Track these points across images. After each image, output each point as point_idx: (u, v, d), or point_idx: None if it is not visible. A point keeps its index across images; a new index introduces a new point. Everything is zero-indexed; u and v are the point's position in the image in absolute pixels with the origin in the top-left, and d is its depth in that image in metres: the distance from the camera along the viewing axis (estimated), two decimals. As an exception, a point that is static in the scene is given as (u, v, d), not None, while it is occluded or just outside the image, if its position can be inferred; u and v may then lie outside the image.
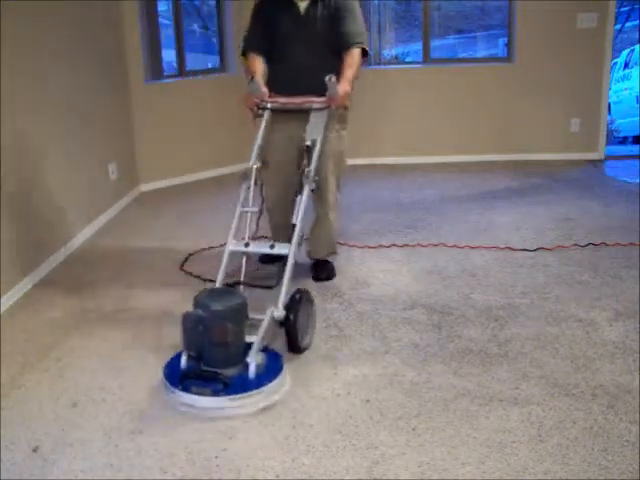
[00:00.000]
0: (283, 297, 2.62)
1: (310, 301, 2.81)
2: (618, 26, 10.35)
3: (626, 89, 10.40)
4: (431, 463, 2.05)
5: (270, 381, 2.40)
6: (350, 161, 5.85)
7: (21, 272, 3.46)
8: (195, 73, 5.83)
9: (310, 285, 3.32)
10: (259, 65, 3.19)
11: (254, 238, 3.01)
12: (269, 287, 2.73)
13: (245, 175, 2.91)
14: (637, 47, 10.57)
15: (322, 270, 3.47)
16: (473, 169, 5.77)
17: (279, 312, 2.58)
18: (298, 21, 3.16)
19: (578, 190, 5.02)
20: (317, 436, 2.20)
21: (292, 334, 2.63)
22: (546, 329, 2.87)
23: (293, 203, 3.56)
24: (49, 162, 3.89)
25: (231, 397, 2.33)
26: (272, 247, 2.80)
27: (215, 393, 2.33)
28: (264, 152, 3.04)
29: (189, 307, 3.20)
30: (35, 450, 2.18)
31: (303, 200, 2.82)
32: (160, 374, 2.52)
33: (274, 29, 3.19)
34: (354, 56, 3.10)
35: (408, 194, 5.09)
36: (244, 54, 3.29)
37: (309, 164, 2.86)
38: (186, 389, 2.36)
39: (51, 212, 3.87)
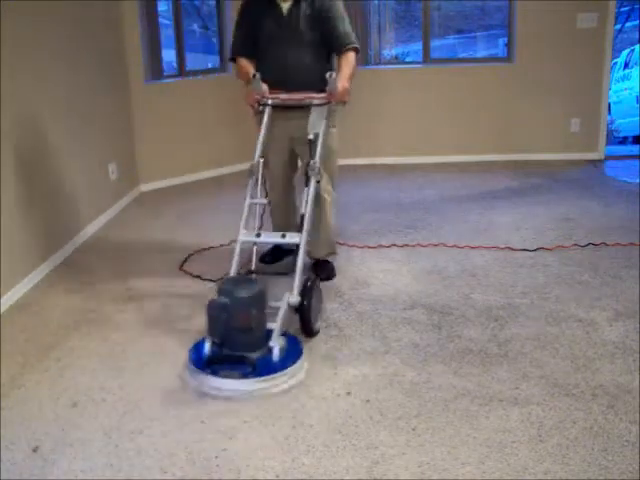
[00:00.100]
0: (297, 284, 2.74)
1: (319, 287, 2.95)
2: (618, 26, 10.35)
3: (626, 89, 10.40)
4: (431, 463, 2.05)
5: (294, 362, 2.54)
6: (350, 161, 5.93)
7: (21, 272, 3.46)
8: (195, 73, 5.83)
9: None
10: (249, 67, 3.23)
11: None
12: (284, 274, 2.89)
13: (251, 170, 2.99)
14: (637, 47, 10.57)
15: (322, 270, 3.47)
16: (473, 169, 5.77)
17: (295, 298, 2.71)
18: (281, 22, 3.19)
19: (578, 190, 5.02)
20: (317, 436, 2.20)
21: (306, 318, 2.77)
22: (546, 329, 2.87)
23: (293, 204, 3.59)
24: (48, 162, 3.89)
25: (259, 379, 2.44)
26: (284, 236, 2.92)
27: (244, 375, 2.44)
28: (265, 150, 3.07)
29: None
30: (35, 450, 2.18)
31: (310, 191, 2.92)
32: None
33: (258, 31, 3.23)
34: (350, 58, 3.17)
35: (408, 194, 5.09)
36: (233, 59, 3.35)
37: (313, 156, 2.95)
38: (214, 373, 2.46)
39: (51, 212, 3.87)
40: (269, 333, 2.56)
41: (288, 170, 3.49)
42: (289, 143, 3.33)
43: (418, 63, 6.34)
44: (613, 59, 8.40)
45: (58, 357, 2.79)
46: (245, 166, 3.13)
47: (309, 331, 2.80)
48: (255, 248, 3.00)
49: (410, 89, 5.99)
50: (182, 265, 3.77)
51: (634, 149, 7.46)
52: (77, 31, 4.34)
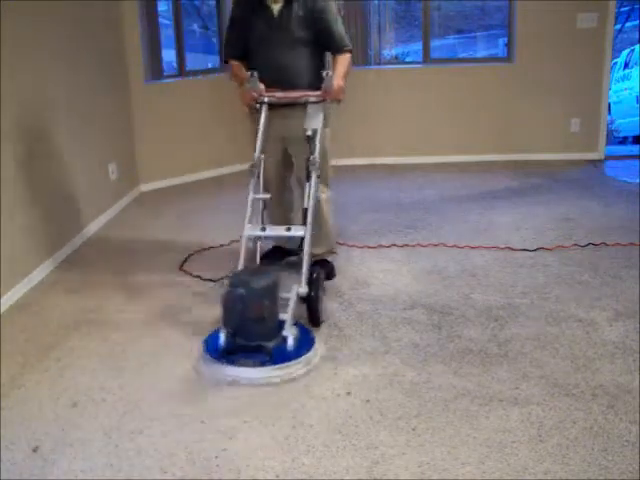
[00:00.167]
0: (305, 275, 2.81)
1: (323, 279, 3.06)
2: (618, 26, 10.35)
3: (626, 89, 10.40)
4: (431, 463, 2.05)
5: (308, 350, 2.64)
6: (350, 161, 5.94)
7: (21, 272, 3.46)
8: (195, 73, 5.83)
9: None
10: (242, 69, 3.27)
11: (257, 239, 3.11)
12: (295, 264, 3.00)
13: (252, 167, 3.02)
14: (637, 47, 10.57)
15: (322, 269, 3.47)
16: (473, 169, 5.77)
17: (304, 289, 2.79)
18: (272, 24, 3.20)
19: (578, 190, 5.02)
20: (317, 436, 2.20)
21: (314, 308, 2.86)
22: (546, 329, 2.87)
23: (289, 204, 3.61)
24: (48, 162, 3.89)
25: (276, 366, 2.53)
26: (289, 230, 2.98)
27: (262, 364, 2.53)
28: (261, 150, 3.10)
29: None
30: (35, 450, 2.18)
31: (312, 186, 2.97)
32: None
33: (249, 32, 3.26)
34: (345, 58, 3.26)
35: (408, 194, 5.09)
36: (226, 61, 3.40)
37: (313, 152, 3.00)
38: (232, 362, 2.55)
39: (51, 212, 3.87)
40: (281, 323, 2.66)
41: (282, 170, 3.50)
42: (282, 143, 3.36)
43: (418, 63, 6.34)
44: (613, 59, 8.39)
45: (58, 357, 2.80)
46: (245, 166, 3.14)
47: (316, 321, 2.88)
48: (259, 245, 3.05)
49: (410, 89, 5.99)
50: (182, 265, 3.77)
51: (634, 149, 7.46)
52: (77, 31, 4.34)
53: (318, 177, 3.04)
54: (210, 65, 6.40)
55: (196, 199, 5.20)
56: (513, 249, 3.83)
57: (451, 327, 2.92)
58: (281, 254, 3.65)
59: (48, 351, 2.85)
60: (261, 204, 3.06)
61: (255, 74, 3.01)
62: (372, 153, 6.05)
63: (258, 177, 3.02)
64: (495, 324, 2.93)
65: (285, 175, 3.55)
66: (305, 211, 2.95)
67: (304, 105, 3.08)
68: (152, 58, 5.57)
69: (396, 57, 8.84)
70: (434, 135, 6.02)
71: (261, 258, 3.60)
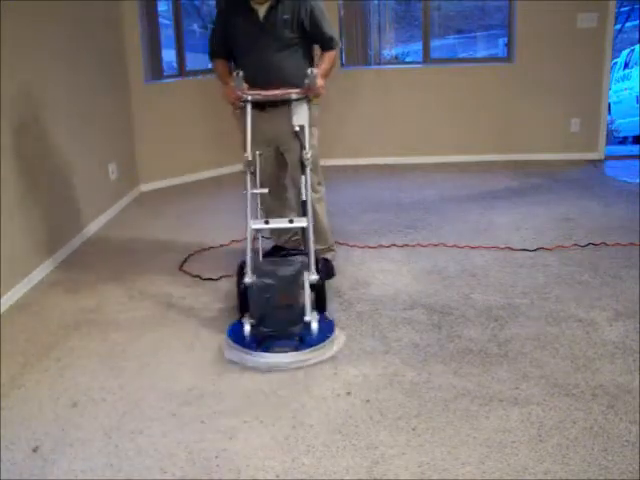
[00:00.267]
0: (313, 263, 2.87)
1: (331, 267, 3.26)
2: (618, 26, 10.34)
3: (626, 89, 10.40)
4: (431, 463, 2.05)
5: (331, 333, 2.78)
6: (350, 161, 5.95)
7: (21, 272, 3.47)
8: (195, 73, 5.83)
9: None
10: (225, 69, 3.35)
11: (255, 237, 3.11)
12: (304, 253, 3.10)
13: (248, 163, 3.03)
14: (637, 47, 10.56)
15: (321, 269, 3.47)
16: (473, 169, 5.77)
17: (314, 276, 2.84)
18: (257, 27, 3.21)
19: (578, 190, 5.02)
20: (317, 436, 2.20)
21: (322, 295, 2.95)
22: (546, 329, 2.87)
23: (285, 202, 3.61)
24: (48, 162, 3.89)
25: (310, 350, 2.65)
26: (291, 221, 3.04)
27: (296, 348, 2.65)
28: (252, 151, 3.09)
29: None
30: (35, 450, 2.18)
31: (308, 179, 3.02)
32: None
33: (234, 35, 3.28)
34: (330, 55, 3.33)
35: (408, 194, 5.09)
36: (211, 59, 3.45)
37: (304, 147, 3.04)
38: (267, 349, 2.65)
39: (50, 212, 3.87)
40: (301, 310, 2.77)
41: (276, 170, 3.51)
42: (273, 144, 3.39)
43: (418, 63, 6.34)
44: (613, 59, 8.39)
45: (58, 357, 2.80)
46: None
47: (323, 306, 2.96)
48: (260, 240, 3.08)
49: (410, 89, 5.99)
50: (182, 265, 3.77)
51: (634, 149, 7.46)
52: (77, 31, 4.34)
53: (311, 170, 3.09)
54: (210, 65, 6.39)
55: (196, 199, 5.20)
56: (513, 249, 3.83)
57: (451, 327, 2.92)
58: (281, 253, 3.65)
59: (48, 351, 2.85)
60: (258, 199, 3.07)
61: (241, 73, 3.02)
62: (372, 153, 6.05)
63: (254, 173, 3.05)
64: (495, 324, 2.93)
65: (279, 175, 3.57)
66: (303, 203, 3.02)
67: (289, 104, 3.11)
68: (152, 58, 5.57)
69: (396, 57, 8.85)
70: (434, 135, 6.02)
71: (264, 256, 3.62)
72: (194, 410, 2.37)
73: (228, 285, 3.42)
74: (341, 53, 6.18)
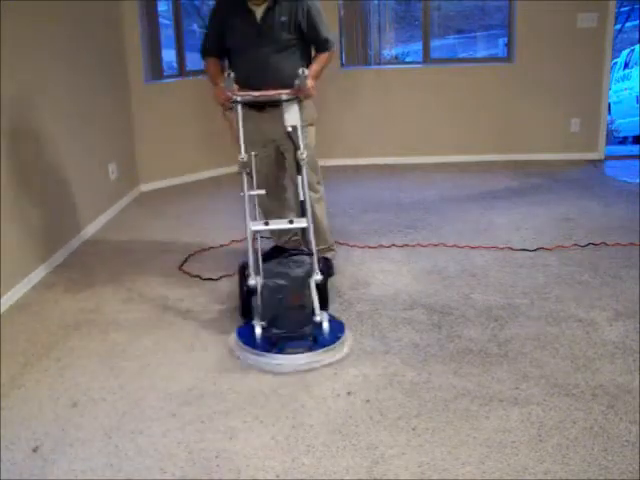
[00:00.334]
0: (316, 263, 2.87)
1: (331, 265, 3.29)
2: (618, 26, 10.33)
3: (626, 89, 10.40)
4: (431, 463, 2.05)
5: (343, 332, 2.79)
6: (350, 161, 5.95)
7: (21, 272, 3.46)
8: (195, 73, 5.83)
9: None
10: (218, 68, 3.31)
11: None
12: (305, 253, 3.09)
13: (244, 165, 3.00)
14: (637, 47, 10.56)
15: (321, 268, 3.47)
16: (473, 169, 5.77)
17: (318, 276, 2.83)
18: (255, 29, 3.19)
19: (578, 190, 5.02)
20: (317, 436, 2.20)
21: (324, 294, 2.91)
22: (546, 329, 2.87)
23: (285, 200, 3.60)
24: (48, 162, 3.89)
25: (323, 350, 2.65)
26: (291, 222, 3.02)
27: (310, 349, 2.64)
28: (249, 151, 3.05)
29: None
30: (35, 450, 2.18)
31: (304, 178, 3.02)
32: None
33: (231, 35, 3.25)
34: (323, 57, 3.31)
35: (408, 194, 5.09)
36: (203, 58, 3.42)
37: (298, 147, 3.03)
38: (281, 351, 2.64)
39: (51, 212, 3.87)
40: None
41: (275, 170, 3.50)
42: (273, 144, 3.37)
43: (418, 63, 6.34)
44: (613, 59, 8.39)
45: (58, 357, 2.80)
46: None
47: (326, 305, 2.92)
48: (259, 240, 3.03)
49: (410, 89, 5.99)
50: (182, 265, 3.77)
51: (634, 149, 7.46)
52: (77, 31, 4.34)
53: (311, 170, 3.09)
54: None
55: (196, 199, 5.20)
56: (513, 249, 3.83)
57: (451, 327, 2.92)
58: (281, 253, 3.65)
59: (48, 351, 2.85)
60: (255, 200, 3.05)
61: (232, 74, 3.00)
62: (372, 153, 6.05)
63: (250, 175, 3.03)
64: (495, 324, 2.93)
65: (278, 176, 3.56)
66: (302, 203, 3.01)
67: (282, 102, 3.10)
68: (152, 58, 5.57)
69: (396, 57, 8.85)
70: (434, 135, 6.02)
71: (264, 257, 3.62)
72: (194, 410, 2.37)
73: (228, 285, 3.42)
74: (341, 53, 6.18)
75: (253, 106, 3.18)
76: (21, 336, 2.99)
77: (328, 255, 3.55)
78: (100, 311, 3.23)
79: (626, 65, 10.76)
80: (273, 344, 2.67)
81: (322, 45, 3.30)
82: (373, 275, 3.53)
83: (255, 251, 2.90)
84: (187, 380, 2.57)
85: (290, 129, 3.06)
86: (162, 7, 5.89)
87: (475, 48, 10.62)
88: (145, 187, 5.49)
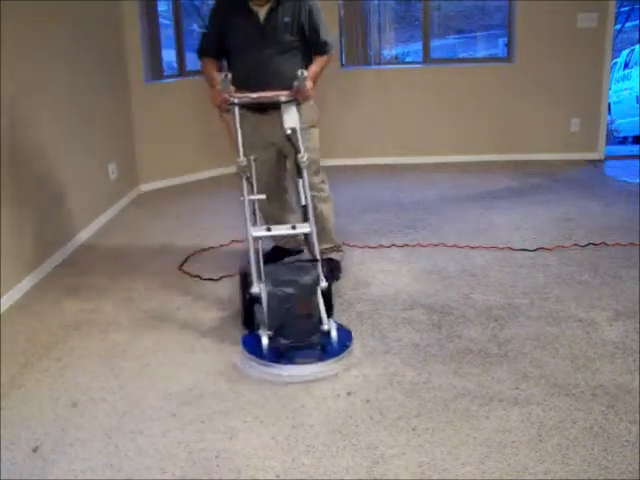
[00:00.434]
0: (321, 270, 2.80)
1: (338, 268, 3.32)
2: (618, 26, 10.33)
3: (626, 89, 10.40)
4: (431, 463, 2.05)
5: (350, 341, 2.70)
6: (350, 161, 5.95)
7: (21, 272, 3.46)
8: (195, 73, 5.82)
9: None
10: (216, 69, 3.27)
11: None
12: (298, 253, 3.21)
13: (242, 169, 2.97)
14: (637, 47, 10.57)
15: (327, 269, 3.45)
16: (473, 169, 5.77)
17: (324, 283, 2.75)
18: (258, 29, 3.16)
19: (578, 190, 5.02)
20: (317, 436, 2.20)
21: (330, 300, 2.84)
22: (546, 329, 2.87)
23: (285, 204, 3.59)
24: (49, 162, 3.89)
25: (334, 359, 2.57)
26: (294, 228, 2.94)
27: (320, 359, 2.56)
28: (249, 153, 3.03)
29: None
30: (35, 450, 2.18)
31: (306, 182, 2.97)
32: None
33: (233, 36, 3.21)
34: (323, 60, 3.27)
35: (408, 194, 5.09)
36: (200, 57, 3.37)
37: (298, 150, 2.97)
38: (291, 361, 2.55)
39: (51, 212, 3.87)
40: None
41: (276, 172, 3.47)
42: (274, 146, 3.33)
43: (418, 63, 6.34)
44: (613, 59, 8.39)
45: (58, 357, 2.80)
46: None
47: (331, 311, 2.85)
48: (260, 241, 3.00)
49: (410, 89, 5.99)
50: (182, 265, 3.77)
51: (634, 149, 7.46)
52: (77, 31, 4.34)
53: (314, 171, 3.04)
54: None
55: (196, 199, 5.20)
56: (513, 249, 3.83)
57: (451, 327, 2.92)
58: (282, 253, 3.65)
59: (48, 351, 2.85)
60: (255, 205, 3.00)
61: (229, 75, 2.96)
62: (372, 153, 6.05)
63: (249, 179, 2.97)
64: (495, 324, 2.93)
65: (279, 176, 3.53)
66: (304, 208, 2.96)
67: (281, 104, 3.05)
68: (152, 58, 5.57)
69: (396, 57, 8.86)
70: (434, 135, 6.02)
71: (265, 258, 3.61)
72: (194, 410, 2.37)
73: (228, 285, 3.42)
74: (341, 53, 6.18)
75: (254, 108, 3.14)
76: (21, 336, 2.99)
77: (336, 256, 3.53)
78: (100, 311, 3.23)
79: (626, 65, 10.76)
80: (281, 355, 2.58)
81: (321, 48, 3.26)
82: (373, 275, 3.53)
83: (257, 258, 2.82)
84: (187, 380, 2.57)
85: (289, 132, 3.01)
86: (162, 7, 5.89)
87: (475, 48, 10.62)
88: (145, 187, 5.49)
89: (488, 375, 2.53)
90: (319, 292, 2.71)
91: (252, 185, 2.98)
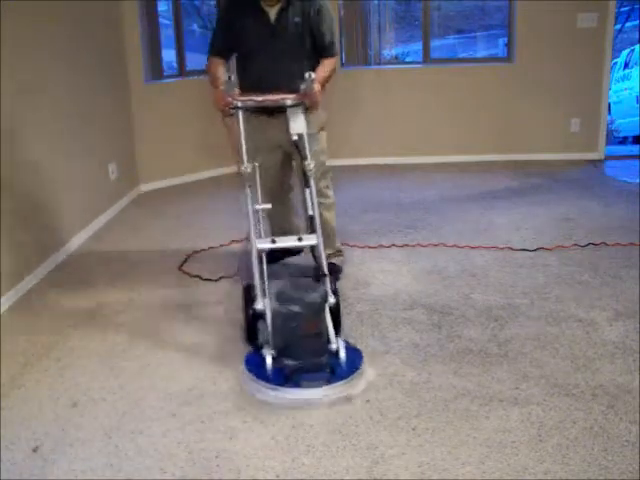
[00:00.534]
0: (329, 285, 2.72)
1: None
2: (618, 26, 10.34)
3: (626, 89, 10.40)
4: (431, 463, 2.05)
5: (361, 362, 2.53)
6: (350, 161, 5.95)
7: (21, 272, 3.46)
8: (195, 73, 5.83)
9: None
10: (221, 70, 3.18)
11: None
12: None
13: (247, 177, 2.88)
14: (637, 47, 10.56)
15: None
16: (473, 169, 5.77)
17: (333, 299, 2.68)
18: (269, 30, 3.12)
19: (578, 190, 5.02)
20: (317, 436, 2.20)
21: (338, 316, 2.74)
22: (546, 329, 2.87)
23: (290, 208, 3.57)
24: (49, 162, 3.89)
25: (342, 382, 2.40)
26: (300, 240, 2.84)
27: (328, 381, 2.38)
28: (253, 156, 2.99)
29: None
30: (35, 450, 2.18)
31: (313, 192, 2.89)
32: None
33: (243, 37, 3.16)
34: (331, 63, 3.23)
35: (408, 194, 5.09)
36: (208, 57, 3.29)
37: (305, 157, 2.90)
38: (297, 384, 2.39)
39: (51, 212, 3.87)
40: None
41: (281, 174, 3.44)
42: (281, 149, 3.29)
43: (418, 63, 6.34)
44: (613, 59, 8.39)
45: (58, 357, 2.79)
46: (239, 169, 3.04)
47: (338, 328, 2.73)
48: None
49: (410, 89, 5.99)
50: (182, 265, 3.77)
51: (634, 149, 7.46)
52: (77, 31, 4.34)
53: (322, 175, 2.99)
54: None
55: (196, 199, 5.20)
56: (513, 249, 3.83)
57: (451, 327, 2.92)
58: (281, 253, 3.65)
59: (48, 351, 2.85)
60: (260, 214, 2.91)
61: (233, 78, 2.92)
62: (372, 153, 6.05)
63: (252, 187, 2.89)
64: (495, 324, 2.93)
65: (284, 180, 3.49)
66: (311, 218, 2.86)
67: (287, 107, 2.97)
68: (152, 58, 5.57)
69: (396, 57, 8.86)
70: (434, 135, 6.02)
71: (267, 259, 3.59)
72: (194, 410, 2.37)
73: (228, 285, 3.42)
74: (341, 53, 6.17)
75: (260, 111, 3.08)
76: (21, 336, 2.99)
77: (337, 261, 3.51)
78: (100, 311, 3.23)
79: (626, 65, 10.76)
80: (286, 377, 2.41)
81: (328, 49, 3.21)
82: (373, 275, 3.53)
83: (261, 272, 2.69)
84: (187, 380, 2.57)
85: (296, 137, 2.91)
86: (162, 7, 5.89)
87: (475, 48, 10.62)
88: (145, 187, 5.49)
89: (488, 375, 2.53)
90: (327, 309, 2.60)
91: (258, 194, 2.90)
